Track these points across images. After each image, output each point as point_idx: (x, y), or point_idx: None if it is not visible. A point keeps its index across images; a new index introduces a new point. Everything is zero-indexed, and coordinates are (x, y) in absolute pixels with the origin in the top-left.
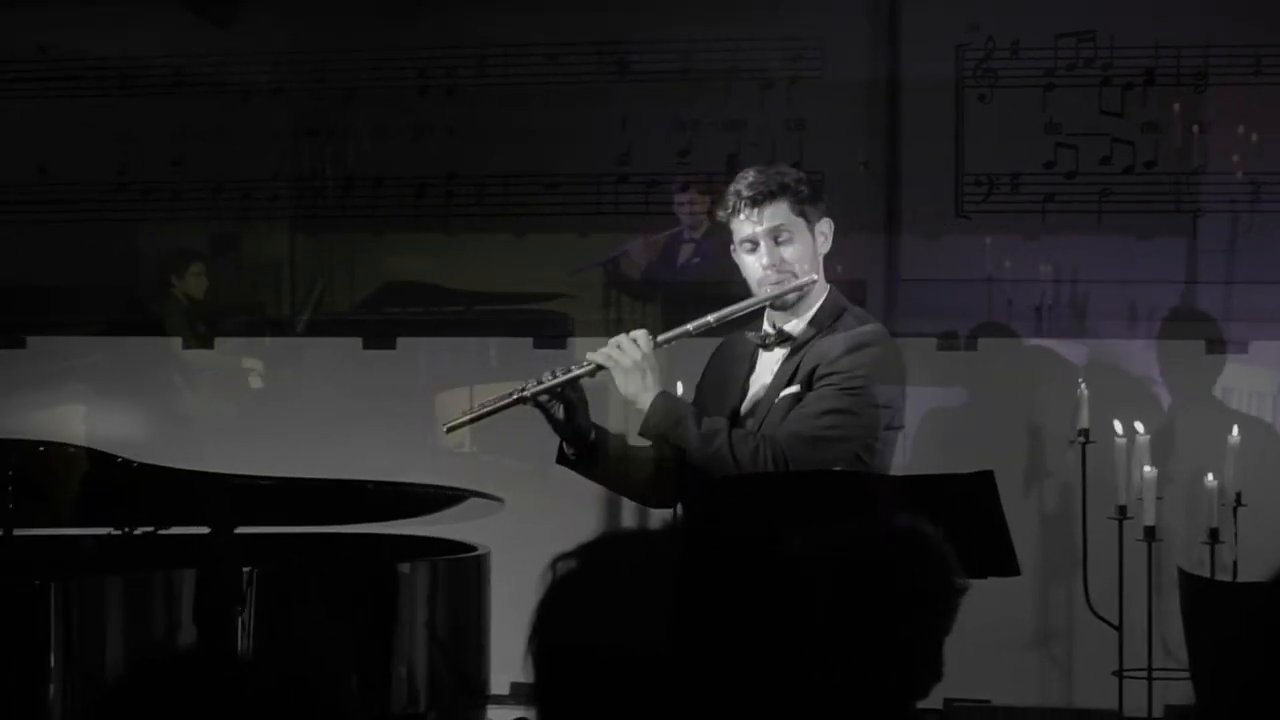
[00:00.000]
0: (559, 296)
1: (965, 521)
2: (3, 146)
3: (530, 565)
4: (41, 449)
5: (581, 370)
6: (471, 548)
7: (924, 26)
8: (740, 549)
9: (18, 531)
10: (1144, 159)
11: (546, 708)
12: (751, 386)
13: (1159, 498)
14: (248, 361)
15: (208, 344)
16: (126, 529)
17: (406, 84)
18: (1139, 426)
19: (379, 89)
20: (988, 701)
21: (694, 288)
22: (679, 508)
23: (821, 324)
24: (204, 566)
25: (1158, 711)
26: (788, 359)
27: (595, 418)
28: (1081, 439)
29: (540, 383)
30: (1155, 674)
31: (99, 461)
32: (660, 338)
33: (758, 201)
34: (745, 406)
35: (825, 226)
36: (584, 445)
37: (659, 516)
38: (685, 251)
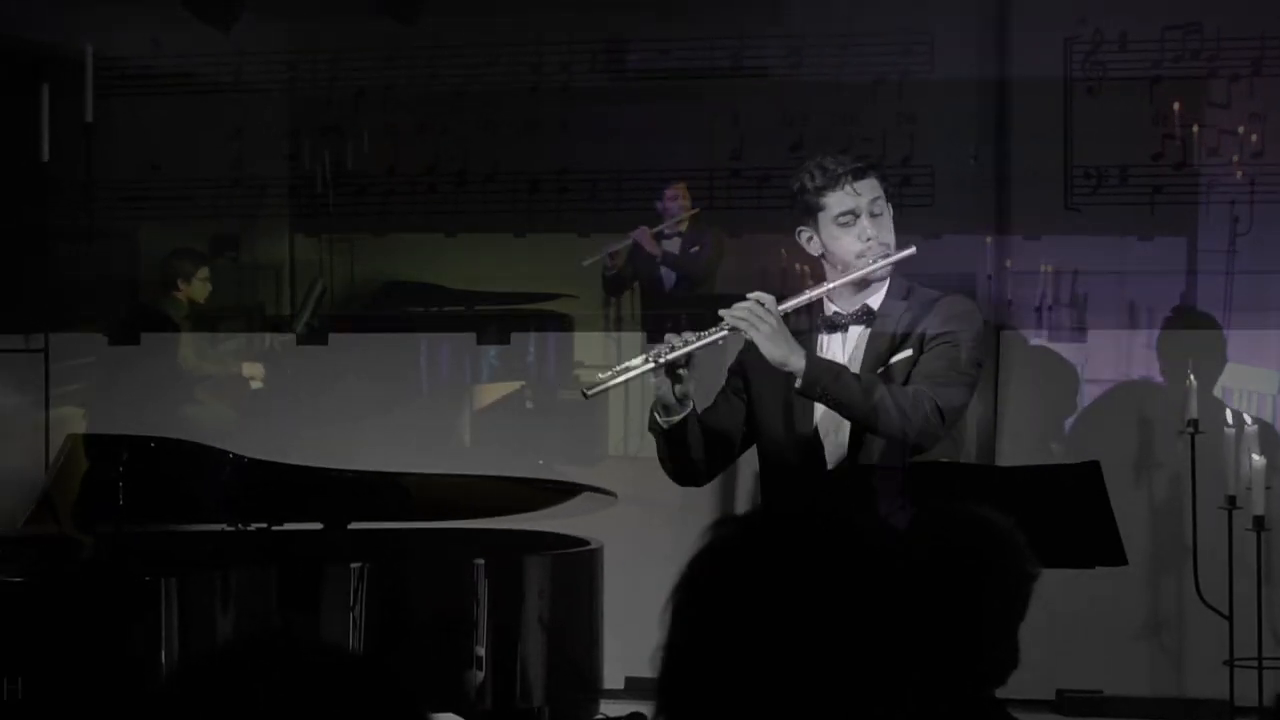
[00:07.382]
0: (559, 296)
1: (1073, 512)
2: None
3: (643, 560)
4: (153, 445)
5: (716, 335)
6: (585, 541)
7: (1032, 20)
8: (830, 537)
9: (129, 527)
10: (1251, 151)
11: (670, 702)
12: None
13: (1268, 487)
14: (249, 370)
15: (322, 340)
16: (238, 525)
17: (519, 83)
18: (1247, 416)
19: (493, 85)
20: (1099, 691)
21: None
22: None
23: (900, 296)
24: (314, 562)
25: (1268, 701)
26: (875, 331)
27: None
28: (1190, 429)
29: (673, 349)
30: (1266, 663)
31: (210, 457)
32: (785, 305)
33: (859, 175)
34: None
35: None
36: (681, 413)
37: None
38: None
